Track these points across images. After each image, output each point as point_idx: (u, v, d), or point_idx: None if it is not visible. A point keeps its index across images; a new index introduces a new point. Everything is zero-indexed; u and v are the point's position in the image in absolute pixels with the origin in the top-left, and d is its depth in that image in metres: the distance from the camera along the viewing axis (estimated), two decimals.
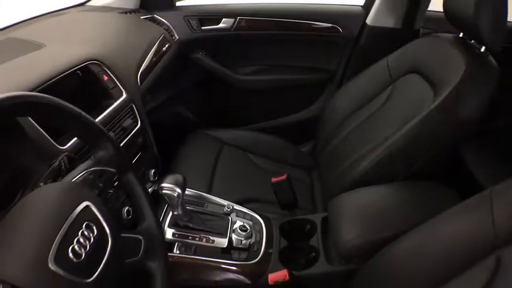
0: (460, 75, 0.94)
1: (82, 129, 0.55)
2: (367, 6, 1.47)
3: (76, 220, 0.47)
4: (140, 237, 0.59)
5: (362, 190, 0.95)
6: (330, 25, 1.49)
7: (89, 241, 0.47)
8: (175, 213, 0.85)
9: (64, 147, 0.71)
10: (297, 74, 1.60)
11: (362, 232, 0.85)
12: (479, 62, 0.97)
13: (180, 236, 0.89)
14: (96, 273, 0.46)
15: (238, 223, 0.93)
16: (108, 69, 0.89)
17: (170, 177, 0.82)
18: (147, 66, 1.10)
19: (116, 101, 0.87)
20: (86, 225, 0.47)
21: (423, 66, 1.09)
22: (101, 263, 0.47)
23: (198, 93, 1.64)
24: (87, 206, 0.49)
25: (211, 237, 0.89)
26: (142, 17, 1.33)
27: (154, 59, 1.18)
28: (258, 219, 0.98)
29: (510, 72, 1.17)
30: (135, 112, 0.93)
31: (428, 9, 1.43)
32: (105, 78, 0.88)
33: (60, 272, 0.43)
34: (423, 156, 0.99)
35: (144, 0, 1.41)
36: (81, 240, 0.46)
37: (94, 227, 0.48)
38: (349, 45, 1.52)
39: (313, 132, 1.45)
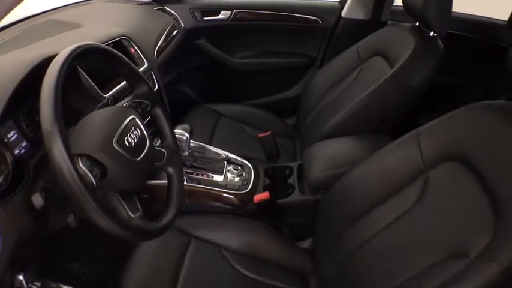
0: (410, 52, 1.19)
1: (128, 73, 0.82)
2: (343, 1, 1.72)
3: (127, 124, 0.72)
4: (164, 150, 0.85)
5: (329, 141, 1.23)
6: (311, 17, 1.73)
7: (136, 138, 0.72)
8: (183, 154, 1.11)
9: (106, 95, 0.97)
10: (284, 58, 1.84)
11: (325, 168, 1.11)
12: (427, 42, 1.22)
13: (187, 172, 1.15)
14: (140, 157, 0.72)
15: (232, 165, 1.20)
16: (134, 44, 1.16)
17: (180, 126, 1.08)
18: (161, 45, 1.36)
19: (140, 68, 1.14)
20: (133, 128, 0.73)
21: (385, 50, 1.34)
22: (143, 152, 0.73)
23: (199, 74, 1.88)
24: (133, 118, 0.75)
25: (210, 174, 1.16)
26: (155, 8, 1.60)
27: (166, 41, 1.45)
28: (247, 164, 1.23)
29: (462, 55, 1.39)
30: (153, 77, 1.20)
31: (397, 4, 1.67)
32: (132, 50, 1.14)
33: (120, 150, 0.68)
34: (378, 116, 1.25)
35: None
36: (132, 136, 0.71)
37: (138, 130, 0.74)
38: (327, 34, 1.76)
39: (296, 108, 1.69)
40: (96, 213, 0.58)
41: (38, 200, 0.66)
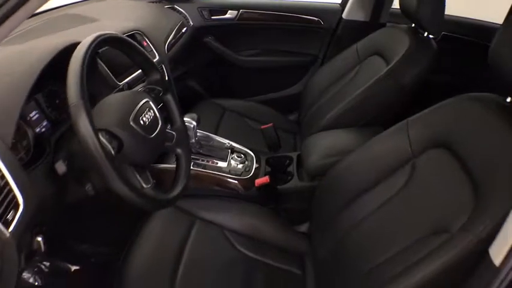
0: (404, 51, 1.27)
1: (142, 61, 0.90)
2: (343, 4, 1.80)
3: (142, 106, 0.80)
4: (173, 133, 0.93)
5: (326, 132, 1.31)
6: (314, 18, 1.82)
7: (150, 118, 0.80)
8: (190, 141, 1.19)
9: (120, 83, 1.05)
10: (287, 57, 1.92)
11: (322, 156, 1.19)
12: (420, 42, 1.30)
13: (193, 158, 1.22)
14: (153, 135, 0.80)
15: (235, 153, 1.27)
16: (147, 38, 1.25)
17: (188, 115, 1.16)
18: (170, 41, 1.45)
19: None
20: (147, 109, 0.81)
21: (382, 49, 1.42)
22: (155, 131, 0.81)
23: (206, 70, 1.96)
24: (147, 101, 0.83)
25: (215, 161, 1.24)
26: (165, 6, 1.69)
27: (175, 38, 1.53)
28: (250, 153, 1.30)
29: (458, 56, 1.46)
30: (164, 70, 1.28)
31: (395, 7, 1.74)
32: (145, 43, 1.23)
33: (136, 127, 0.76)
34: (373, 111, 1.33)
35: None
36: (146, 116, 0.79)
37: (151, 112, 0.82)
38: (328, 34, 1.84)
39: (298, 105, 1.76)
40: (114, 180, 0.66)
41: (61, 167, 0.74)
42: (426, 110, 0.92)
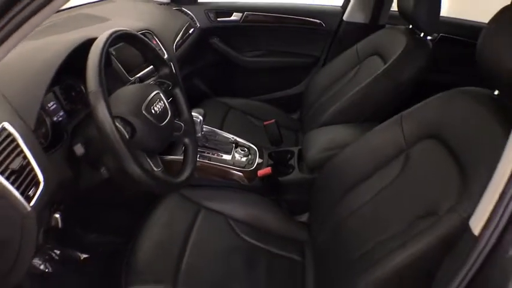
0: (401, 50, 1.33)
1: (153, 57, 0.97)
2: (344, 6, 1.86)
3: (153, 97, 0.87)
4: (181, 124, 0.99)
5: (325, 128, 1.36)
6: (315, 20, 1.88)
7: (160, 108, 0.87)
8: (197, 135, 1.25)
9: (132, 78, 1.12)
10: (289, 57, 1.97)
11: (321, 150, 1.25)
12: (416, 42, 1.35)
13: (199, 151, 1.28)
14: (163, 123, 0.86)
15: (239, 147, 1.33)
16: (156, 37, 1.31)
17: (195, 110, 1.22)
18: (178, 41, 1.52)
19: None
20: (158, 100, 0.87)
21: (380, 49, 1.48)
22: (165, 120, 0.87)
23: (211, 70, 2.02)
24: (158, 92, 0.89)
25: (220, 154, 1.29)
26: (173, 8, 1.76)
27: (183, 38, 1.60)
28: (253, 147, 1.36)
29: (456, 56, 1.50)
30: (172, 68, 1.34)
31: (394, 9, 1.79)
32: (154, 42, 1.30)
33: (148, 116, 0.82)
34: (371, 108, 1.39)
35: None
36: (157, 106, 0.86)
37: (162, 103, 0.88)
38: (330, 35, 1.90)
39: (300, 104, 1.82)
40: (128, 161, 0.72)
41: (79, 149, 0.81)
42: (418, 104, 0.97)
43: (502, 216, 0.51)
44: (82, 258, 1.12)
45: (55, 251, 0.89)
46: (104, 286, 1.12)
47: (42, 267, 0.86)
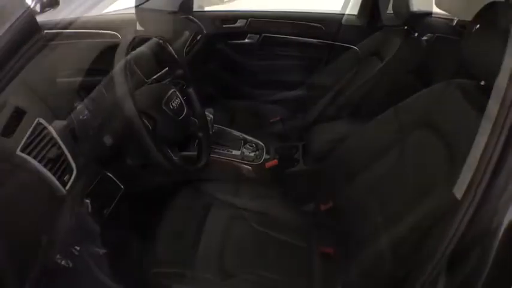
0: (395, 49, 1.42)
1: (169, 59, 1.07)
2: (343, 11, 1.97)
3: (171, 94, 0.96)
4: (195, 120, 1.09)
5: (328, 123, 1.45)
6: (316, 25, 1.97)
7: (177, 104, 0.96)
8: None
9: (148, 80, 1.21)
10: (292, 60, 2.07)
11: (323, 144, 1.33)
12: (411, 41, 1.45)
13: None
14: (181, 117, 0.96)
15: (248, 143, 1.42)
16: (168, 42, 1.41)
17: (206, 109, 1.31)
18: (187, 47, 1.62)
19: None
20: (175, 97, 0.97)
21: (378, 50, 1.58)
22: (183, 114, 0.97)
23: (218, 73, 2.11)
24: (174, 91, 0.99)
25: (229, 149, 1.39)
26: (181, 16, 1.86)
27: (191, 44, 1.70)
28: (260, 143, 1.46)
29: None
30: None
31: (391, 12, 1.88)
32: None
33: (167, 110, 0.92)
34: (370, 103, 1.46)
35: (182, 5, 1.92)
36: (174, 102, 0.95)
37: (178, 99, 0.98)
38: (329, 38, 1.99)
39: (303, 104, 1.90)
40: (152, 149, 0.82)
41: (108, 140, 0.90)
42: (412, 97, 1.04)
43: (480, 181, 0.59)
44: (101, 253, 1.18)
45: (75, 247, 0.96)
46: (124, 279, 1.19)
47: (63, 262, 0.92)
